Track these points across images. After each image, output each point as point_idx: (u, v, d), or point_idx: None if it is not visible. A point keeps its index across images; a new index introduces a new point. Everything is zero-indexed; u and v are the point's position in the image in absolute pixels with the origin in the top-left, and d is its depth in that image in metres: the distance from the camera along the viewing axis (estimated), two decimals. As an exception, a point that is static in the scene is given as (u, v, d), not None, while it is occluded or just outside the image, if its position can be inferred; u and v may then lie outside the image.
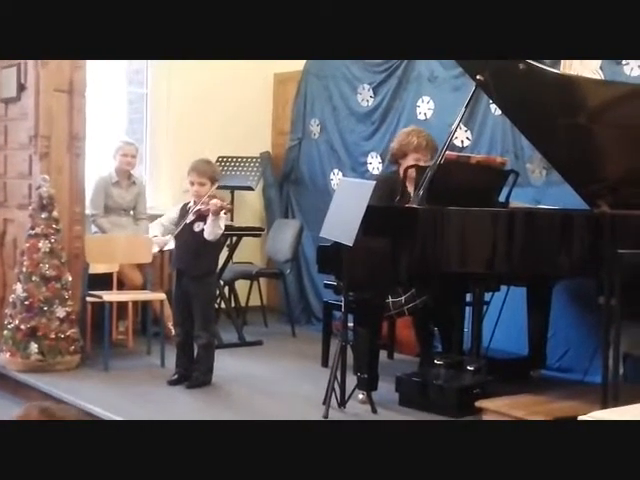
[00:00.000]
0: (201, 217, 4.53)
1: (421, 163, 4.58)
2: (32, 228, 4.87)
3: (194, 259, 4.59)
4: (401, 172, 4.65)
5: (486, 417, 3.96)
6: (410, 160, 4.64)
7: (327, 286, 5.13)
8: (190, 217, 4.55)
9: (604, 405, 3.50)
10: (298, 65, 6.79)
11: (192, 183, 4.58)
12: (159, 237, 4.67)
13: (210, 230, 4.50)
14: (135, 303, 5.72)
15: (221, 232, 4.59)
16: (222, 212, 4.46)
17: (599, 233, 3.92)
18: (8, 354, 4.85)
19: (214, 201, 4.43)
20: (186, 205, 4.68)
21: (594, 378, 4.33)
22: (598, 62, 4.83)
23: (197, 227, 4.56)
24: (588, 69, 4.84)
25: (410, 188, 4.49)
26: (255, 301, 6.69)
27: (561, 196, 4.71)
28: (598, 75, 4.82)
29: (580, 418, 2.61)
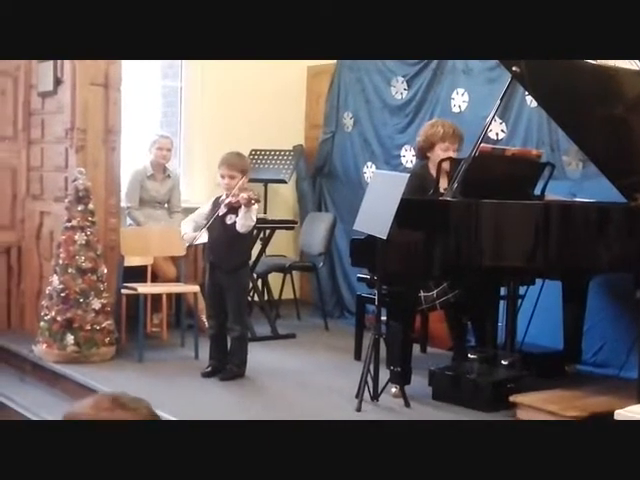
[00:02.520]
0: (233, 210, 4.55)
1: (450, 153, 4.54)
2: (68, 220, 4.92)
3: (227, 252, 4.61)
4: (431, 166, 4.63)
5: (520, 412, 3.93)
6: (438, 150, 4.59)
7: (360, 279, 5.12)
8: (222, 210, 4.57)
9: (640, 400, 3.46)
10: (331, 58, 6.77)
11: (223, 176, 4.60)
12: (188, 233, 4.68)
13: (242, 222, 4.52)
14: (169, 295, 5.76)
15: (252, 224, 4.60)
16: (252, 203, 4.47)
17: (636, 226, 3.87)
18: (44, 345, 4.91)
19: (242, 193, 4.45)
20: (218, 199, 4.70)
21: (630, 373, 4.28)
22: (636, 53, 4.76)
23: (229, 220, 4.58)
24: (625, 60, 4.76)
25: (444, 181, 4.45)
26: (288, 294, 6.70)
27: (598, 189, 4.64)
28: (635, 66, 4.74)
29: (617, 412, 2.58)
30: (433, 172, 4.51)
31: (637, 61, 4.73)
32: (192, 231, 4.67)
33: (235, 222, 4.54)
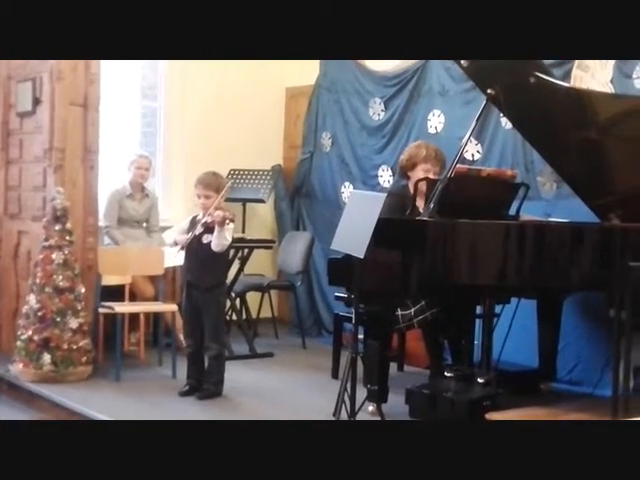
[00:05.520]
0: (209, 229, 4.58)
1: (431, 175, 4.60)
2: (46, 240, 4.92)
3: (203, 271, 4.63)
4: (411, 186, 4.67)
5: (496, 429, 3.96)
6: (419, 171, 4.65)
7: (338, 298, 5.14)
8: (198, 229, 4.60)
9: (614, 418, 3.50)
10: (310, 79, 6.83)
11: (199, 196, 4.63)
12: (177, 238, 4.74)
13: (217, 242, 4.54)
14: (147, 314, 5.75)
15: (227, 243, 4.62)
16: (227, 223, 4.49)
17: (609, 246, 3.92)
18: (21, 365, 4.88)
19: (217, 212, 4.47)
20: (195, 218, 4.73)
21: (604, 391, 4.33)
22: (609, 75, 4.85)
23: (205, 239, 4.60)
24: (599, 82, 4.85)
25: (420, 202, 4.50)
26: (266, 313, 6.71)
27: (572, 209, 4.71)
28: (608, 89, 4.83)
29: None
30: None
31: (610, 83, 4.83)
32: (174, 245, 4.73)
33: (211, 241, 4.57)
